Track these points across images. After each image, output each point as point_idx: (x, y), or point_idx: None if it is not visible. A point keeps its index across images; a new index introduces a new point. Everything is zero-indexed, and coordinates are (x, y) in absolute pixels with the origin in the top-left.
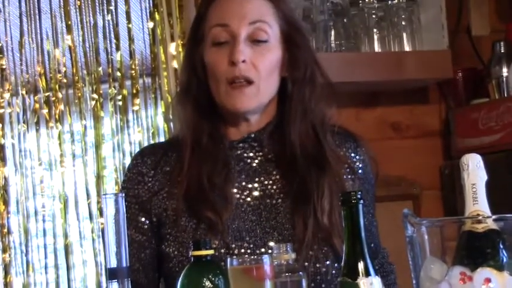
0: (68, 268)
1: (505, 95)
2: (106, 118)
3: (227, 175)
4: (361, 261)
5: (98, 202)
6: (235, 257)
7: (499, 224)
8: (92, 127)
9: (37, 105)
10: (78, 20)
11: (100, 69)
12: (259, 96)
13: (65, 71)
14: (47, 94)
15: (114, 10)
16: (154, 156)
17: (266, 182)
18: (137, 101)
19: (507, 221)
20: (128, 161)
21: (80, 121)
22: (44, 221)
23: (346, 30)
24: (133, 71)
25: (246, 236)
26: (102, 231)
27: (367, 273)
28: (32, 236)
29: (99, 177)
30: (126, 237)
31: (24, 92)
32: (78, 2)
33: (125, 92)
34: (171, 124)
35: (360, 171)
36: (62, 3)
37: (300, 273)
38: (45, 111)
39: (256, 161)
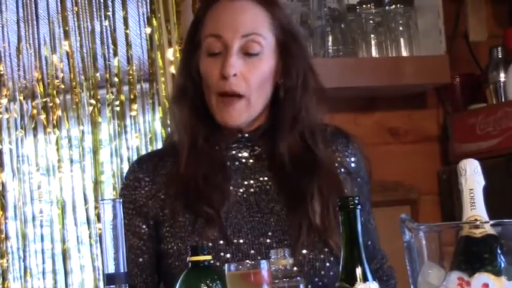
0: (66, 273)
1: (503, 100)
2: (104, 123)
3: (223, 174)
4: (359, 267)
5: (96, 207)
6: (234, 247)
7: (496, 229)
8: (90, 132)
9: (35, 111)
10: (76, 25)
11: (98, 74)
12: (250, 110)
13: (63, 77)
14: (44, 100)
15: (111, 16)
16: (151, 162)
17: (261, 179)
18: (135, 106)
19: (505, 226)
20: (125, 166)
21: (77, 126)
22: (41, 226)
23: (343, 35)
24: (130, 77)
25: (244, 228)
26: (100, 236)
27: (365, 279)
28: (29, 241)
29: (96, 183)
30: (124, 242)
31: (21, 98)
32: (76, 8)
33: (122, 97)
34: (169, 129)
35: (352, 165)
36: (59, 9)
37: (298, 278)
38: (42, 116)
39: (251, 160)
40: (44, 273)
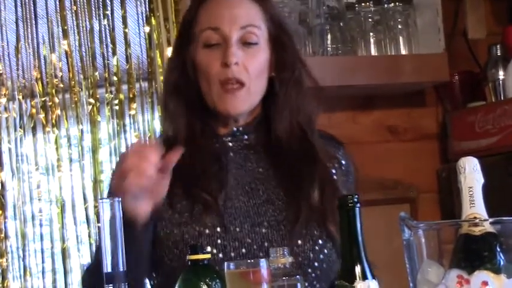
0: (65, 272)
1: (502, 97)
2: (103, 122)
3: (220, 164)
4: (358, 265)
5: (95, 206)
6: (230, 235)
7: (496, 227)
8: (89, 131)
9: (34, 110)
10: (75, 24)
11: (96, 73)
12: (250, 99)
13: (62, 76)
14: (43, 99)
15: (110, 15)
16: None
17: (258, 170)
18: (134, 105)
19: (504, 224)
20: None
21: (76, 126)
22: (41, 225)
23: (342, 34)
24: (129, 76)
25: (240, 217)
26: (99, 235)
27: (364, 277)
28: (29, 240)
29: (96, 182)
30: (123, 241)
31: (20, 97)
32: (75, 7)
33: (121, 96)
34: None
35: (343, 168)
36: (58, 8)
37: (297, 277)
38: (41, 116)
39: (245, 151)
40: (43, 272)
